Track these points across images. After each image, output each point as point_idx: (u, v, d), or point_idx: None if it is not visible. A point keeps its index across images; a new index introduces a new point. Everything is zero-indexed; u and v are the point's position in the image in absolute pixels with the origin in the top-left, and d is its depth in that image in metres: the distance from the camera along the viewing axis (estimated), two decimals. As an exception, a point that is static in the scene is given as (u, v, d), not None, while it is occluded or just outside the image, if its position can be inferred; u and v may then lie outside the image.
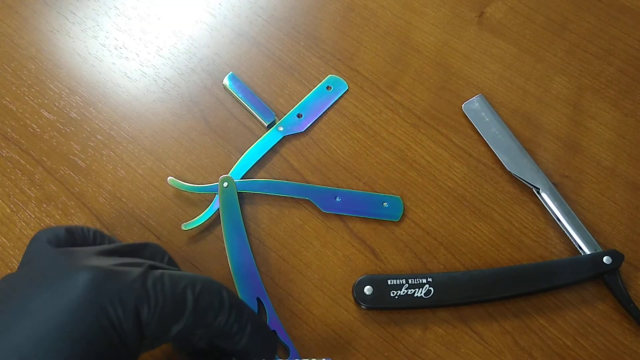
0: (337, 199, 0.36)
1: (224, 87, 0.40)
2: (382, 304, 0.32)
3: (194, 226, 0.34)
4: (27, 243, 0.34)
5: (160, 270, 0.23)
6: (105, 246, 0.25)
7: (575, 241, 0.35)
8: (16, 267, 0.33)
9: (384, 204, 0.36)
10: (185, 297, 0.22)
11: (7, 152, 0.37)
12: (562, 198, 0.36)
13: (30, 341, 0.19)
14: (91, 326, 0.20)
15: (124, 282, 0.21)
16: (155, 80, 0.40)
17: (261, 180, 0.36)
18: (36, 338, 0.19)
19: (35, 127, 0.38)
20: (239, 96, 0.39)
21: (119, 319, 0.21)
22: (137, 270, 0.22)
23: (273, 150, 0.38)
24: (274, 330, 0.31)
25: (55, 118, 0.38)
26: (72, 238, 0.26)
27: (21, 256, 0.33)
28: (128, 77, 0.40)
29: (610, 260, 0.33)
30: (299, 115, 0.39)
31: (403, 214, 0.36)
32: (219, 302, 0.24)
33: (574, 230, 0.35)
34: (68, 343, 0.19)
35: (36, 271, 0.23)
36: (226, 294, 0.24)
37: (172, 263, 0.29)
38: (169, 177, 0.36)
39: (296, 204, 0.36)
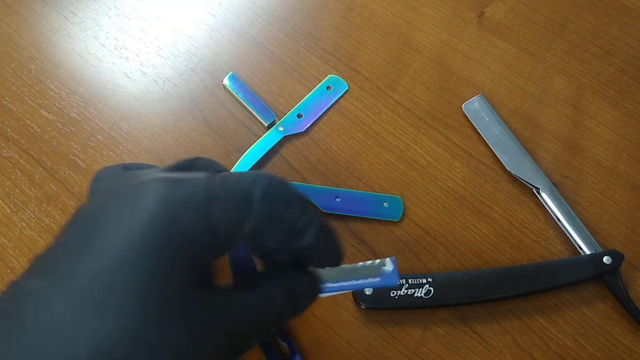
0: (337, 199, 0.36)
1: (224, 87, 0.40)
2: (382, 304, 0.32)
3: (194, 226, 0.34)
4: (27, 243, 0.34)
5: (224, 172, 0.23)
6: (165, 166, 0.25)
7: (575, 241, 0.35)
8: (16, 267, 0.33)
9: (384, 204, 0.36)
10: (253, 192, 0.22)
11: (7, 152, 0.37)
12: (562, 198, 0.36)
13: (109, 259, 0.19)
14: (167, 234, 0.20)
15: (193, 187, 0.21)
16: (155, 80, 0.40)
17: (261, 180, 0.36)
18: (115, 257, 0.19)
19: (35, 127, 0.38)
20: (238, 96, 0.39)
21: (193, 223, 0.20)
22: (202, 175, 0.22)
23: (273, 150, 0.38)
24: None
25: (55, 118, 0.38)
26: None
27: (21, 256, 0.34)
28: (128, 77, 0.40)
29: (610, 260, 0.33)
30: (298, 115, 0.39)
31: (403, 214, 0.36)
32: (285, 195, 0.23)
33: (574, 230, 0.35)
34: (146, 255, 0.19)
35: (105, 194, 0.22)
36: (291, 187, 0.23)
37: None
38: (169, 177, 0.35)
39: (296, 204, 0.36)
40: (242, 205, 0.21)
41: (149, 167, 0.27)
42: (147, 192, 0.20)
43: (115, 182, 0.23)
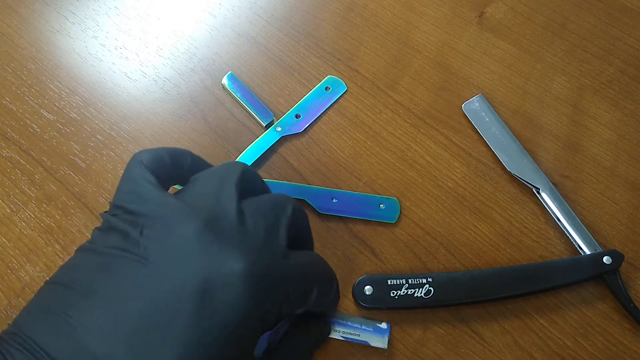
0: (334, 200, 0.36)
1: (223, 87, 0.40)
2: (382, 304, 0.32)
3: (194, 226, 0.34)
4: (27, 243, 0.34)
5: (292, 261, 0.24)
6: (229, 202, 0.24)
7: (575, 241, 0.35)
8: (16, 266, 0.33)
9: (381, 205, 0.36)
10: (313, 287, 0.25)
11: (7, 152, 0.37)
12: (562, 198, 0.36)
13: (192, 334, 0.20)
14: (249, 318, 0.22)
15: (273, 283, 0.23)
16: (155, 80, 0.40)
17: (261, 180, 0.36)
18: (197, 333, 0.20)
19: (35, 127, 0.38)
20: (237, 96, 0.39)
21: (268, 315, 0.23)
22: (280, 262, 0.23)
23: (273, 150, 0.38)
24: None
25: (55, 118, 0.38)
26: (176, 165, 0.26)
27: (21, 256, 0.34)
28: (128, 77, 0.40)
29: (610, 260, 0.33)
30: (297, 116, 0.39)
31: (403, 214, 0.36)
32: (330, 282, 0.27)
33: (574, 230, 0.35)
34: (230, 335, 0.21)
35: (170, 243, 0.22)
36: (336, 284, 0.28)
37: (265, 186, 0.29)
38: (169, 177, 0.35)
39: (296, 204, 0.36)
40: (303, 298, 0.25)
41: (192, 159, 0.27)
42: (231, 277, 0.21)
43: (182, 239, 0.22)
